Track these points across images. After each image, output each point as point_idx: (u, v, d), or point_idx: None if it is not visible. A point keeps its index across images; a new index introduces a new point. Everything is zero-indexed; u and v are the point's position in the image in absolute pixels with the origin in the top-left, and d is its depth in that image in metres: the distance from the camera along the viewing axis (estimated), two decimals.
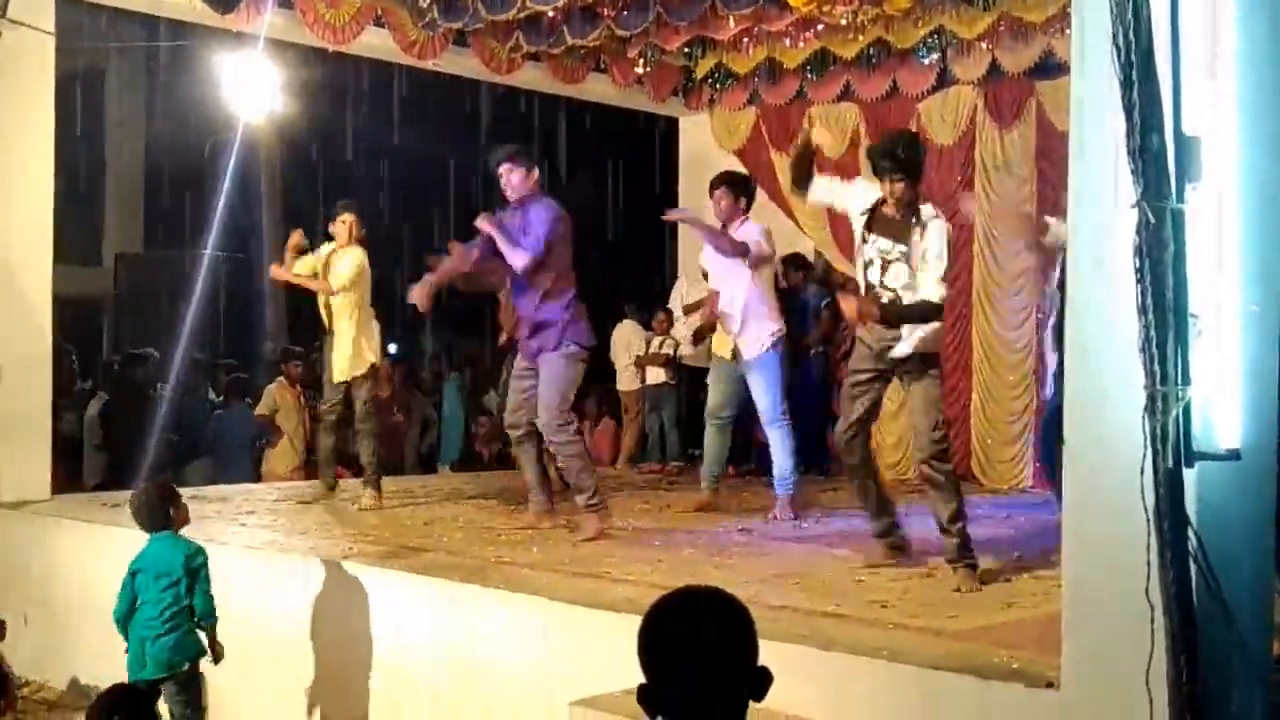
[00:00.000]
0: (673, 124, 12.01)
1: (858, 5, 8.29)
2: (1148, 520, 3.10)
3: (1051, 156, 8.74)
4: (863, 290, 5.57)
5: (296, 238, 8.09)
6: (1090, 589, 3.47)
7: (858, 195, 5.68)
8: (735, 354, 7.39)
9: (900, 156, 5.43)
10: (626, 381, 10.80)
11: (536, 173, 6.66)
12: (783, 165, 10.79)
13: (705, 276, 8.05)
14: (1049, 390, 6.60)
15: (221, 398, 11.28)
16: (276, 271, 8.19)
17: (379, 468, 7.92)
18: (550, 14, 8.84)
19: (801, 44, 9.86)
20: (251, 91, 11.85)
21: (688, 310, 10.13)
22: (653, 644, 2.13)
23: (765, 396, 7.33)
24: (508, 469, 9.72)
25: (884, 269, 5.46)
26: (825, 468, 9.11)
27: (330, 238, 7.90)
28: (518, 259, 6.44)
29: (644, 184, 15.21)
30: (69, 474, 9.20)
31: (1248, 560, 3.35)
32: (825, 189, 5.87)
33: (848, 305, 5.63)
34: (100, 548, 6.73)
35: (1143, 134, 3.09)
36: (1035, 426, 8.73)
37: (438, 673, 5.33)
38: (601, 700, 4.23)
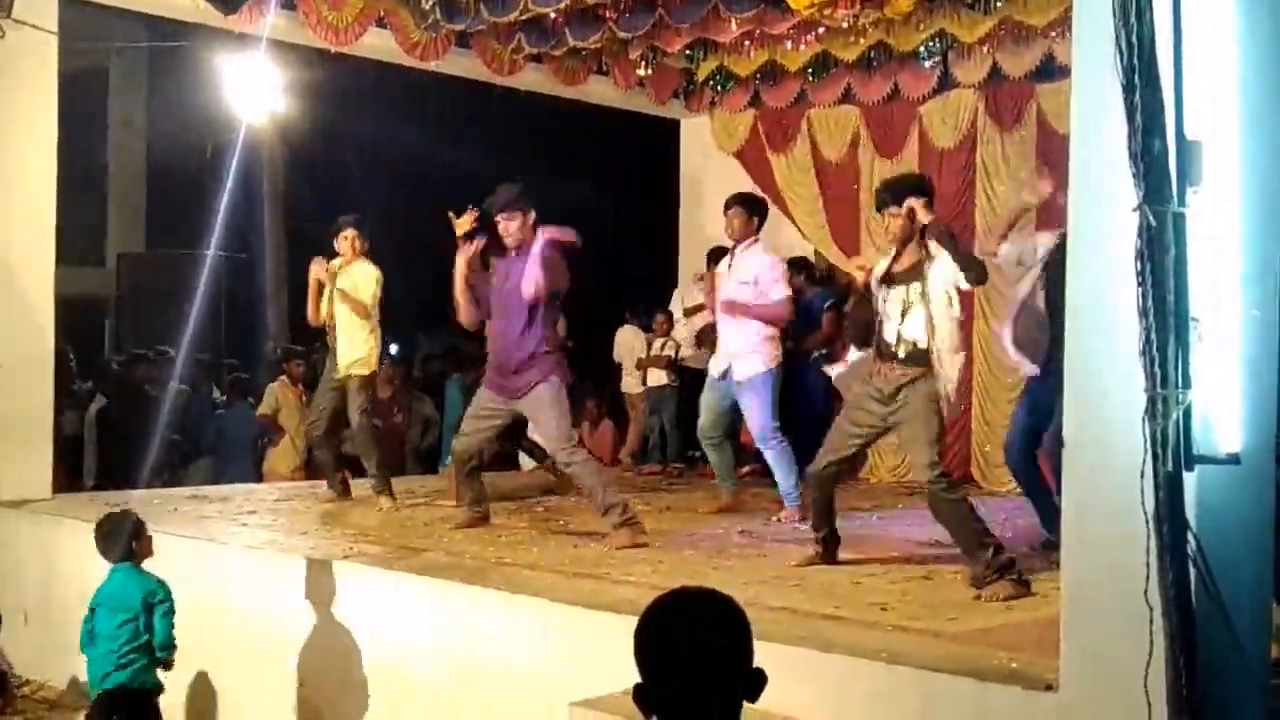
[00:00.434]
0: (674, 126, 12.01)
1: (859, 8, 8.28)
2: (1147, 523, 3.10)
3: (1052, 160, 8.72)
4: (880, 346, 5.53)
5: (319, 271, 7.83)
6: (1089, 591, 3.48)
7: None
8: (726, 374, 7.38)
9: (897, 190, 5.53)
10: (631, 384, 10.81)
11: (533, 215, 6.67)
12: (780, 166, 10.83)
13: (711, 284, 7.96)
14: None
15: (224, 397, 11.29)
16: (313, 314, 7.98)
17: (387, 472, 7.94)
18: (552, 16, 8.84)
19: (803, 47, 9.86)
20: (254, 92, 11.88)
21: (688, 313, 10.14)
22: (648, 644, 2.14)
23: (757, 418, 7.31)
24: (508, 469, 9.73)
25: (903, 316, 5.43)
26: None
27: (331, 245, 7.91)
28: (528, 287, 6.51)
29: (644, 186, 15.19)
30: (69, 474, 9.20)
31: (1247, 564, 3.35)
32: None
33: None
34: None
35: (1144, 138, 3.09)
36: None
37: (438, 673, 5.33)
38: (601, 701, 4.23)
